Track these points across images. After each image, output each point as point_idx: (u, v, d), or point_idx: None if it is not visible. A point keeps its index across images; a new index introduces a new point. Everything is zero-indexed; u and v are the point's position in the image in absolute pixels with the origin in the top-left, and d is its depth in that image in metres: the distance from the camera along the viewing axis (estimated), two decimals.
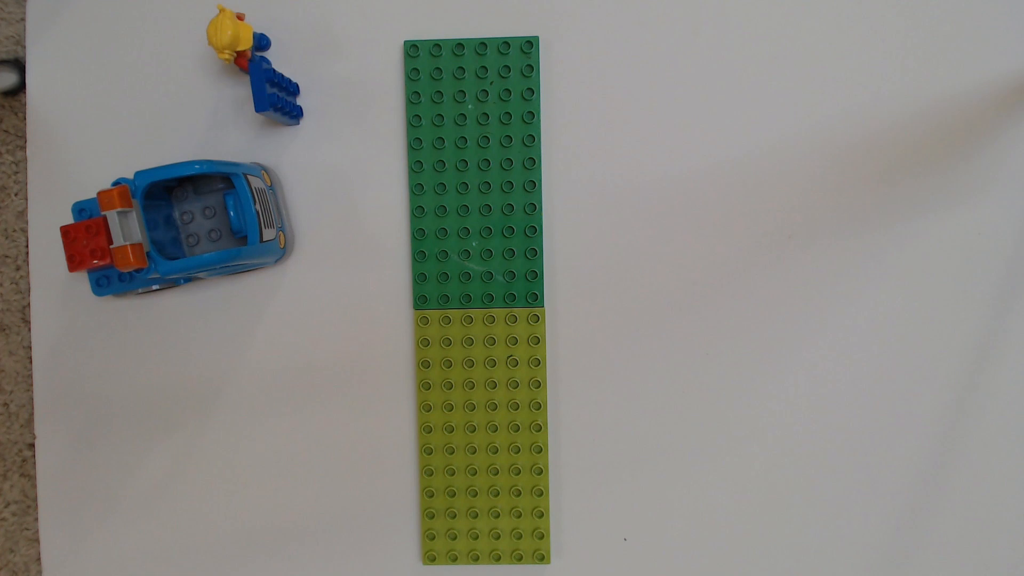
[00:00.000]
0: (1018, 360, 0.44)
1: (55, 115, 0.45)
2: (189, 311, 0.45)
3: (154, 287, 0.44)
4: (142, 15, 0.45)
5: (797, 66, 0.44)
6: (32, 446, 0.46)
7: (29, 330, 0.46)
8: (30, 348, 0.46)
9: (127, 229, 0.39)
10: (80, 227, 0.40)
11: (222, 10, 0.40)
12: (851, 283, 0.44)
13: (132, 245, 0.39)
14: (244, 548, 0.46)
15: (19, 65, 0.45)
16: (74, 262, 0.40)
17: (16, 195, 0.46)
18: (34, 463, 0.46)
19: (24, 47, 0.45)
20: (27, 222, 0.45)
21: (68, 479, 0.46)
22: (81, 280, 0.45)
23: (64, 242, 0.40)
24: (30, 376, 0.46)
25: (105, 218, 0.39)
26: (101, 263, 0.40)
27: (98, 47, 0.45)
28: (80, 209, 0.43)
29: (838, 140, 0.44)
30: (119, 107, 0.45)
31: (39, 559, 0.46)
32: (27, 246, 0.46)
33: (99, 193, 0.39)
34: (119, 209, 0.39)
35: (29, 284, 0.46)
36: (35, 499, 0.47)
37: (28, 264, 0.46)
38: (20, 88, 0.45)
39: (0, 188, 0.46)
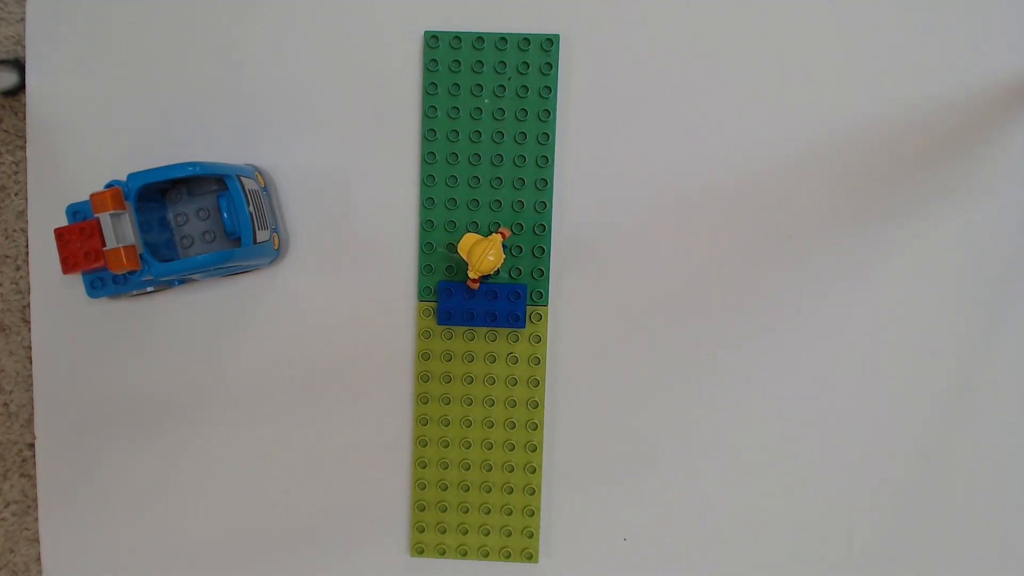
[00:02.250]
0: (1018, 360, 0.44)
1: (55, 115, 0.45)
2: (189, 312, 0.46)
3: (148, 289, 0.44)
4: (142, 15, 0.45)
5: (801, 67, 0.44)
6: (32, 446, 0.47)
7: (29, 330, 0.46)
8: (30, 348, 0.46)
9: (120, 231, 0.39)
10: (74, 229, 0.40)
11: (497, 236, 0.42)
12: (851, 283, 0.44)
13: (125, 247, 0.39)
14: (244, 545, 0.46)
15: (19, 65, 0.45)
16: (68, 264, 0.40)
17: (16, 195, 0.46)
18: (34, 463, 0.47)
19: (24, 47, 0.45)
20: (27, 222, 0.46)
21: (68, 479, 0.46)
22: (81, 281, 0.45)
23: (58, 244, 0.40)
24: (30, 376, 0.46)
25: (98, 220, 0.39)
26: (95, 265, 0.40)
27: (98, 47, 0.45)
28: (74, 211, 0.43)
29: (839, 140, 0.44)
30: (119, 107, 0.45)
31: (39, 559, 0.47)
32: (27, 246, 0.46)
33: (92, 195, 0.39)
34: (112, 211, 0.39)
35: (29, 284, 0.46)
36: (35, 499, 0.47)
37: (28, 264, 0.46)
38: (20, 88, 0.45)
39: (0, 188, 0.46)
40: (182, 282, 0.44)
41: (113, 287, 0.43)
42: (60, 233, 0.40)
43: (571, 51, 0.44)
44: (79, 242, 0.40)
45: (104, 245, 0.39)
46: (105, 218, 0.39)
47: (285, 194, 0.45)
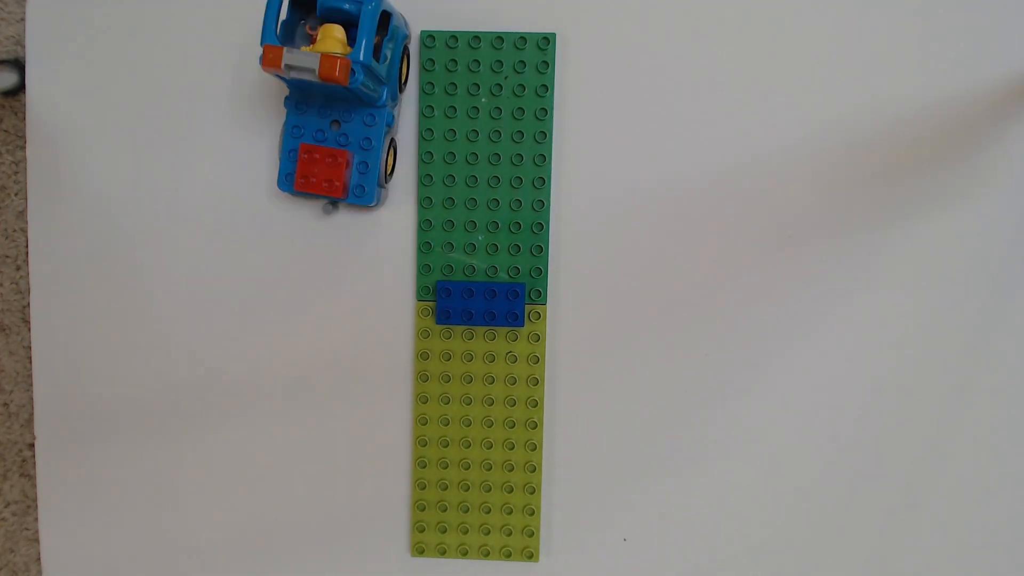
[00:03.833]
0: (1018, 360, 0.44)
1: (55, 115, 0.45)
2: (189, 312, 0.46)
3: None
4: (143, 15, 0.45)
5: (801, 66, 0.44)
6: (32, 446, 0.47)
7: (29, 330, 0.46)
8: (30, 348, 0.46)
9: None
10: (326, 152, 0.42)
11: None
12: (851, 283, 0.44)
13: (341, 59, 0.39)
14: (244, 545, 0.47)
15: (19, 65, 0.45)
16: (302, 183, 0.42)
17: (16, 195, 0.46)
18: (34, 463, 0.47)
19: (24, 47, 0.45)
20: (27, 222, 0.46)
21: (68, 479, 0.46)
22: (81, 281, 0.46)
23: (301, 159, 0.42)
24: (30, 376, 0.46)
25: (348, 154, 0.42)
26: (326, 193, 0.42)
27: (98, 47, 0.45)
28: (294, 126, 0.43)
29: (840, 140, 0.44)
30: (119, 107, 0.45)
31: (39, 559, 0.47)
32: (27, 246, 0.46)
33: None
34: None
35: (29, 284, 0.46)
36: (35, 499, 0.47)
37: (28, 264, 0.46)
38: (20, 88, 0.46)
39: (0, 188, 0.46)
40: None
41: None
42: (309, 149, 0.42)
43: (568, 49, 0.44)
44: (323, 166, 0.42)
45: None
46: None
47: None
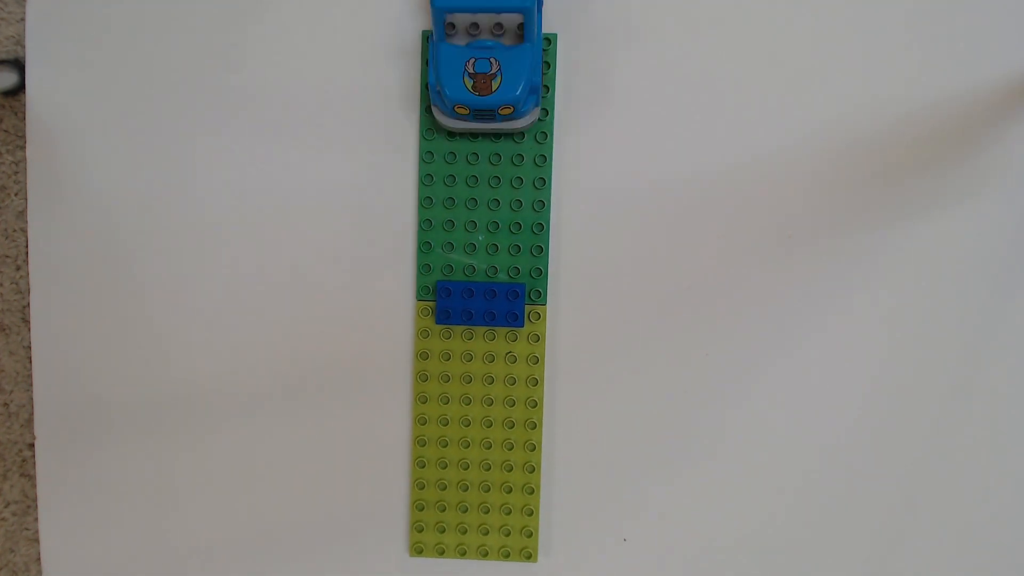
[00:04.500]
0: (1018, 360, 0.44)
1: (55, 115, 0.45)
2: (189, 312, 0.46)
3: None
4: (142, 16, 0.45)
5: (802, 66, 0.44)
6: (32, 446, 0.47)
7: (29, 330, 0.46)
8: (30, 348, 0.46)
9: None
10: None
11: None
12: (852, 283, 0.44)
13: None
14: (243, 545, 0.47)
15: (19, 65, 0.45)
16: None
17: (16, 195, 0.46)
18: (34, 463, 0.47)
19: (24, 47, 0.46)
20: (27, 222, 0.46)
21: (68, 479, 0.46)
22: (81, 281, 0.46)
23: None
24: (30, 376, 0.46)
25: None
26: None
27: (98, 47, 0.45)
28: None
29: (840, 140, 0.44)
30: (119, 107, 0.45)
31: (39, 559, 0.47)
32: (27, 246, 0.46)
33: None
34: None
35: (29, 284, 0.46)
36: (35, 499, 0.47)
37: (28, 264, 0.46)
38: (20, 88, 0.46)
39: (0, 188, 0.46)
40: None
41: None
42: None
43: (568, 49, 0.44)
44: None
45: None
46: None
47: (288, 181, 0.45)
